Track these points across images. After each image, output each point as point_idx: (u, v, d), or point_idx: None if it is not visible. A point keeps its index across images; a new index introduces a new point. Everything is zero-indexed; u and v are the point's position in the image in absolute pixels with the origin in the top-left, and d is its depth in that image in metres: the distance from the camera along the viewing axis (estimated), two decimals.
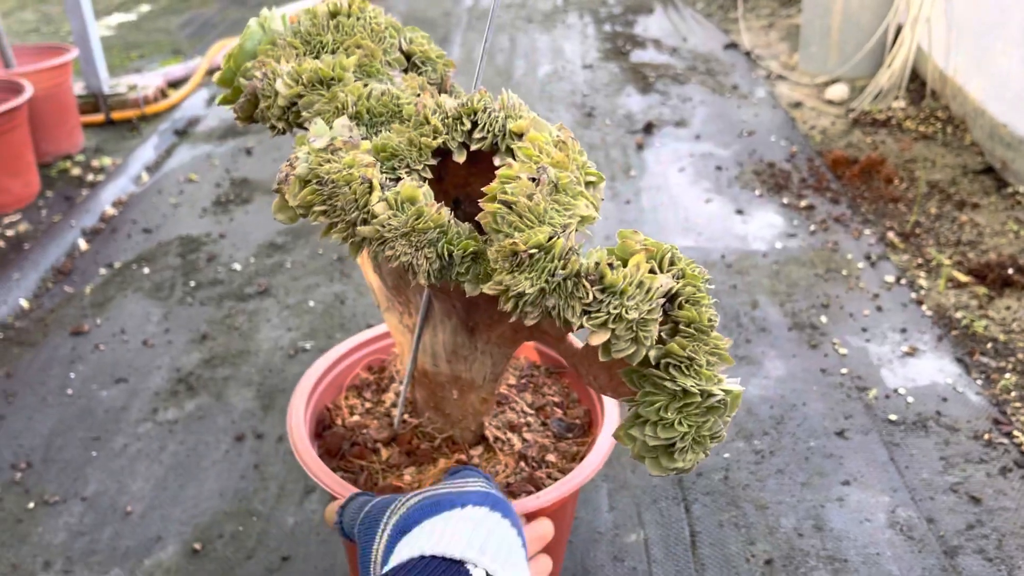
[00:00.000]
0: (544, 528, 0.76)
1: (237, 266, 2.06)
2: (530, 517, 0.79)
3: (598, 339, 0.59)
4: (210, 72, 3.51)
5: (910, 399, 1.56)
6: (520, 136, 0.67)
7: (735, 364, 1.64)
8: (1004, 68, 2.44)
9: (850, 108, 3.01)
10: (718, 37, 3.93)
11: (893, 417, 1.52)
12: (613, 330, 0.59)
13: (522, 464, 0.92)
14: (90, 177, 2.55)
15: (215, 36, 4.09)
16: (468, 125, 0.69)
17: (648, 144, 2.74)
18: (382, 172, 0.66)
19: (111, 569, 1.24)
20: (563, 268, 0.59)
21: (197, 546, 1.27)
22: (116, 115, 2.98)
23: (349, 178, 0.64)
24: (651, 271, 0.61)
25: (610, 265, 0.59)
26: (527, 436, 0.95)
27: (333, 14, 0.80)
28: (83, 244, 2.18)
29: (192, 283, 1.99)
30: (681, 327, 0.61)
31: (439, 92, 0.79)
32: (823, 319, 1.80)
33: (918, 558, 1.24)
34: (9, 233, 2.23)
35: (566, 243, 0.59)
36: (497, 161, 0.67)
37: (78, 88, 2.98)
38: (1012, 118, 2.38)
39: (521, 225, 0.60)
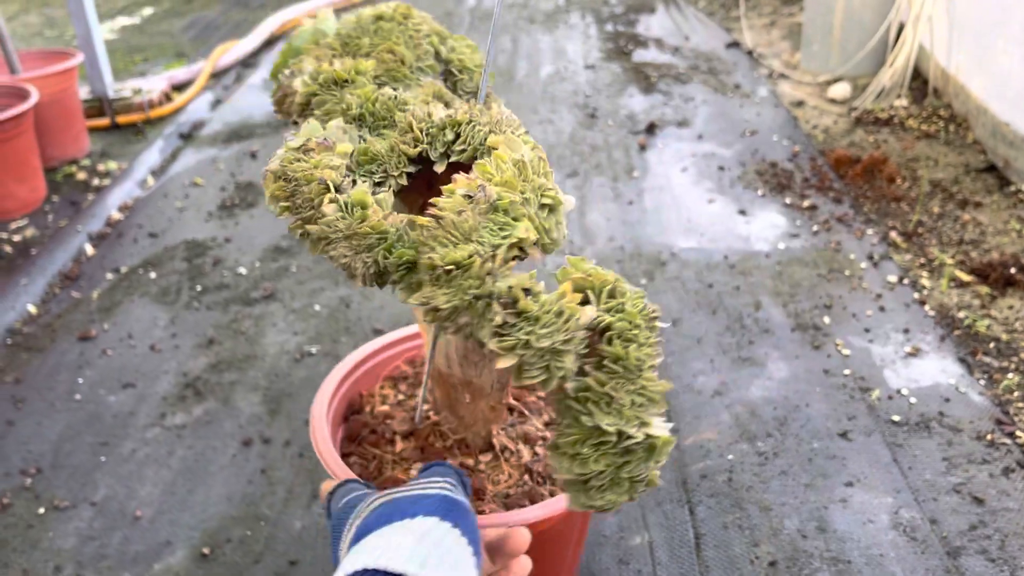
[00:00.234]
0: (518, 540, 0.72)
1: (243, 270, 2.08)
2: (533, 527, 0.80)
3: (504, 363, 0.58)
4: (214, 75, 3.52)
5: (913, 400, 1.57)
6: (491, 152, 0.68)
7: (739, 366, 1.66)
8: (1006, 66, 2.45)
9: (852, 107, 3.01)
10: (720, 36, 3.93)
11: (896, 418, 1.52)
12: (521, 356, 0.58)
13: (526, 477, 0.93)
14: (96, 182, 2.57)
15: (218, 39, 4.10)
16: (451, 136, 0.70)
17: (651, 144, 2.74)
18: (361, 176, 0.68)
19: (121, 574, 1.26)
20: (477, 288, 0.58)
21: (206, 551, 1.29)
22: (121, 119, 2.99)
23: (310, 178, 0.65)
24: (583, 302, 0.60)
25: (527, 291, 0.58)
26: (539, 451, 0.97)
27: (377, 18, 0.82)
28: (90, 249, 2.20)
29: (198, 287, 2.00)
30: (606, 363, 0.60)
31: (471, 101, 0.80)
32: (826, 320, 1.80)
33: (921, 559, 1.24)
34: (16, 238, 2.24)
35: (490, 264, 0.59)
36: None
37: (83, 92, 2.99)
38: (1014, 116, 2.38)
39: (446, 240, 0.60)
